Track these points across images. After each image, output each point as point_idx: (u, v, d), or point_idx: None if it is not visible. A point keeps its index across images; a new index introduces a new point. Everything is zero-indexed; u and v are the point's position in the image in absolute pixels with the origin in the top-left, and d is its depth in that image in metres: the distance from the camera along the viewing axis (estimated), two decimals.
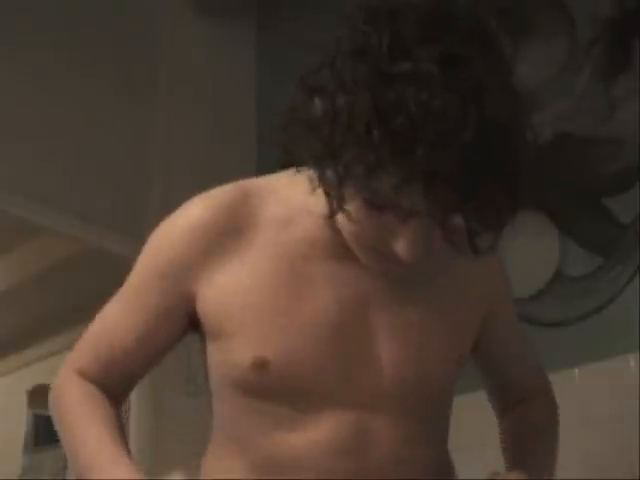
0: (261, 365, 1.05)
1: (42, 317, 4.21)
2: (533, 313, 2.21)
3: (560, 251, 2.22)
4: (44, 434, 4.37)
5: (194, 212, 1.12)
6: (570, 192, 2.25)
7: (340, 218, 1.01)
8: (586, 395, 2.05)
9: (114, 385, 1.17)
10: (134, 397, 2.59)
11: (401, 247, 0.97)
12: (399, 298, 1.12)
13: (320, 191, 1.01)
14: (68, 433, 1.14)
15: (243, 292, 1.08)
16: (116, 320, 1.16)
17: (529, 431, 1.28)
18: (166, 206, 2.66)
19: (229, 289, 1.09)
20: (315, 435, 1.07)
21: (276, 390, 1.07)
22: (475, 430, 2.22)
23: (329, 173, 0.96)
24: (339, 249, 1.08)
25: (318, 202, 1.04)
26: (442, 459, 1.20)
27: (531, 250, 2.27)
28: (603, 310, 2.10)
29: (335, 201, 0.98)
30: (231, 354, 1.09)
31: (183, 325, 1.15)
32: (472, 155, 0.87)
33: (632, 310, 2.04)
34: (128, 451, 1.10)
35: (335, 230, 1.06)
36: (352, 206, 0.97)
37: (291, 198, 1.12)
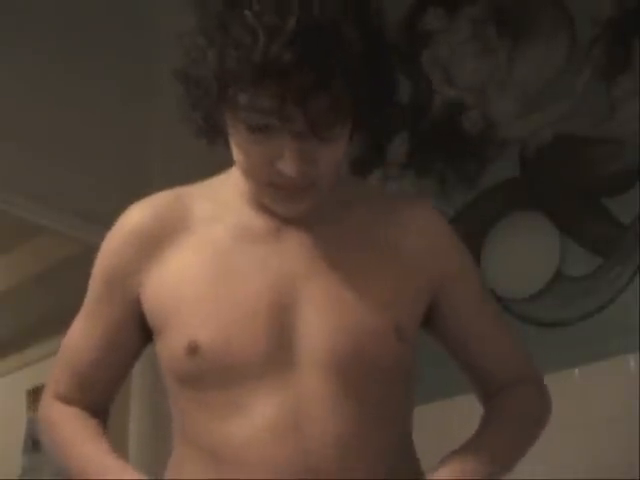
0: (193, 349, 1.08)
1: (42, 317, 4.21)
2: (533, 313, 2.22)
3: (560, 251, 2.22)
4: None
5: (128, 219, 1.21)
6: (570, 192, 2.25)
7: (237, 162, 1.10)
8: (586, 395, 2.05)
9: (93, 400, 1.22)
10: (134, 397, 2.59)
11: (285, 164, 1.04)
12: (326, 271, 1.13)
13: (235, 182, 1.16)
14: (68, 457, 1.19)
15: (174, 285, 1.13)
16: (80, 335, 1.22)
17: (493, 417, 1.25)
18: None
19: (162, 285, 1.14)
20: (252, 420, 1.06)
21: (210, 376, 1.08)
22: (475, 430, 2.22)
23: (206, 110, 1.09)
24: (264, 235, 1.14)
25: (242, 192, 1.16)
26: (394, 442, 1.14)
27: (531, 250, 2.27)
28: (603, 310, 2.10)
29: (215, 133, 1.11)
30: (168, 345, 1.12)
31: (142, 331, 1.19)
32: (303, 47, 0.97)
33: (632, 310, 2.04)
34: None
35: (259, 216, 1.15)
36: (237, 137, 1.07)
37: (218, 195, 1.20)
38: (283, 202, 1.11)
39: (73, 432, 1.19)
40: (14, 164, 2.48)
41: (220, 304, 1.10)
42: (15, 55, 2.53)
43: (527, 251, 2.27)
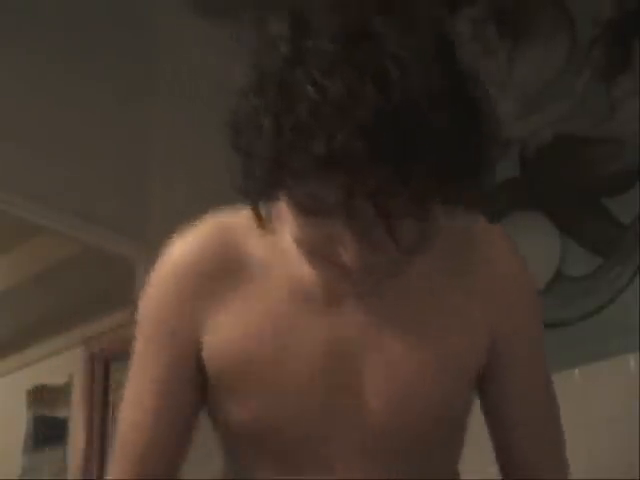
0: (246, 423, 0.99)
1: (42, 317, 4.21)
2: None
3: (560, 251, 2.22)
4: (44, 434, 4.37)
5: (182, 253, 1.04)
6: (570, 192, 2.25)
7: (291, 229, 0.93)
8: (586, 395, 2.05)
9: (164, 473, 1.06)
10: None
11: (345, 254, 0.88)
12: (389, 345, 1.01)
13: (292, 226, 0.94)
14: None
15: (242, 342, 1.00)
16: (129, 415, 1.05)
17: None
18: (166, 206, 2.67)
19: (230, 338, 1.00)
20: None
21: (260, 449, 1.01)
22: (475, 430, 2.22)
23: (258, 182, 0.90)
24: (321, 290, 1.01)
25: (293, 240, 0.96)
26: None
27: (531, 250, 2.26)
28: (603, 310, 2.11)
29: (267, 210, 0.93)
30: (221, 406, 1.02)
31: (199, 386, 1.05)
32: (378, 137, 0.79)
33: (632, 310, 2.04)
34: None
35: (313, 272, 0.98)
36: (290, 217, 0.91)
37: (268, 233, 1.02)
38: (343, 280, 0.95)
39: None
40: (14, 164, 2.48)
41: (274, 374, 0.99)
42: (15, 55, 2.53)
43: (527, 251, 2.26)
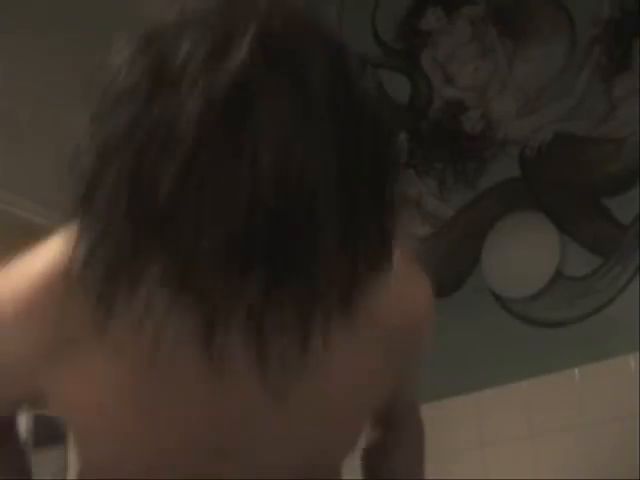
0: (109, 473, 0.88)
1: None
2: (533, 313, 2.22)
3: (560, 251, 2.22)
4: (44, 434, 4.36)
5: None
6: (570, 192, 2.25)
7: None
8: (586, 395, 2.05)
9: None
10: None
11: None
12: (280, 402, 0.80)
13: None
14: None
15: (94, 398, 0.85)
16: None
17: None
18: None
19: (80, 394, 0.85)
20: None
21: None
22: (475, 430, 2.22)
23: None
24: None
25: None
26: None
27: (531, 250, 2.27)
28: (603, 310, 2.11)
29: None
30: (82, 449, 0.93)
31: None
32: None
33: (632, 310, 2.04)
34: None
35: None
36: None
37: None
38: None
39: None
40: (14, 164, 2.48)
41: (140, 446, 0.85)
42: (15, 55, 2.53)
43: (527, 251, 2.27)
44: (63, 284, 0.80)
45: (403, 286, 0.87)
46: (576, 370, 2.08)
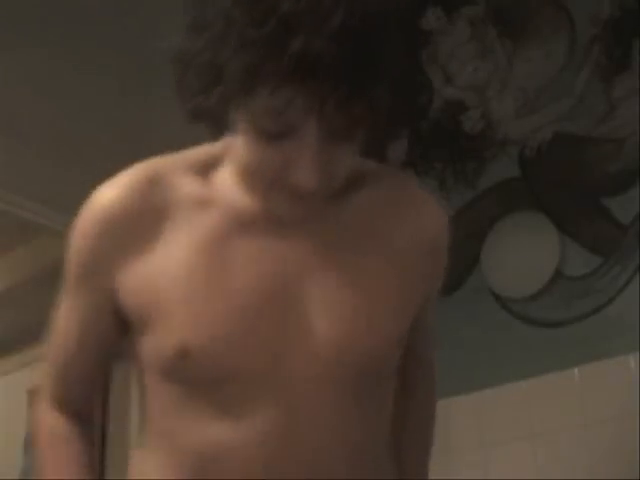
0: (182, 355, 0.98)
1: (42, 317, 4.21)
2: (533, 313, 2.22)
3: (560, 251, 2.22)
4: None
5: (99, 204, 1.06)
6: (570, 192, 2.25)
7: (242, 157, 0.97)
8: (586, 395, 2.05)
9: (78, 398, 1.14)
10: (134, 405, 2.59)
11: (303, 174, 0.92)
12: (331, 271, 1.02)
13: (234, 160, 1.01)
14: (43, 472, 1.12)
15: (162, 281, 1.01)
16: (58, 331, 1.14)
17: (414, 441, 1.21)
18: None
19: (146, 280, 1.02)
20: (243, 426, 0.98)
21: (200, 379, 1.00)
22: (475, 430, 2.22)
23: (219, 105, 0.94)
24: (262, 223, 1.02)
25: (239, 173, 1.01)
26: (386, 446, 1.10)
27: (531, 250, 2.27)
28: (603, 310, 2.11)
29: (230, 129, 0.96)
30: (154, 345, 1.02)
31: (118, 326, 1.08)
32: (346, 46, 0.85)
33: (632, 310, 2.04)
34: None
35: (257, 202, 1.01)
36: (247, 140, 0.95)
37: (208, 172, 1.06)
38: (288, 205, 0.98)
39: (52, 463, 1.11)
40: (14, 164, 2.48)
41: (213, 304, 0.99)
42: (15, 55, 2.53)
43: (527, 251, 2.27)
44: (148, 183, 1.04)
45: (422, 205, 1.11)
46: (576, 370, 2.08)
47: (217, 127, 1.01)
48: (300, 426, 0.99)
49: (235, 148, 1.00)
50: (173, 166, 1.07)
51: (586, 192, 2.22)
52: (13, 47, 2.53)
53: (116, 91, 2.80)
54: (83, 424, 1.14)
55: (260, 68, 0.86)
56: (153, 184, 1.05)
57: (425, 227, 1.10)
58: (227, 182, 1.04)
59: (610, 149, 2.19)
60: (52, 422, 1.14)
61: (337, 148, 0.93)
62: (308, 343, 1.00)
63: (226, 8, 0.90)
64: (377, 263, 1.05)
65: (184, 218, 1.03)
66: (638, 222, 2.10)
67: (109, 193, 1.06)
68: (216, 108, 0.94)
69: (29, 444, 4.48)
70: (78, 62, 2.69)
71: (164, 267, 1.01)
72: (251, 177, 0.98)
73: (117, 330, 1.08)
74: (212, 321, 0.99)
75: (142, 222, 1.02)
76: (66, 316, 1.12)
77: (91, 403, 1.17)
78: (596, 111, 2.23)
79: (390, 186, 1.10)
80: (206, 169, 1.06)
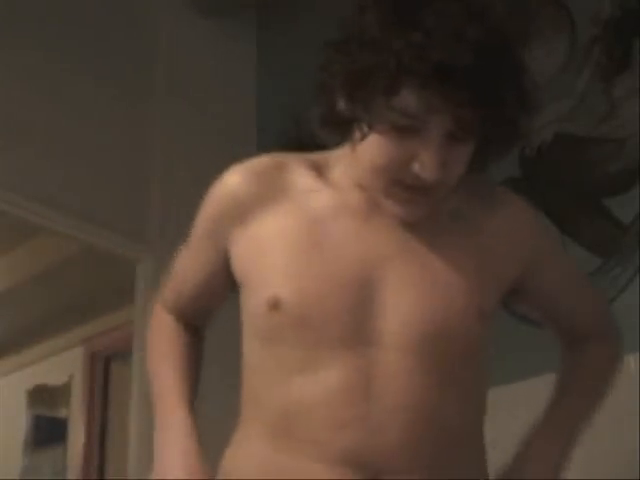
0: (275, 304, 1.12)
1: (42, 317, 4.21)
2: None
3: None
4: (44, 434, 4.37)
5: (227, 185, 1.24)
6: (570, 192, 2.25)
7: (363, 152, 1.11)
8: None
9: (191, 315, 1.34)
10: (134, 400, 2.59)
11: (425, 167, 1.06)
12: (414, 253, 1.16)
13: (341, 159, 1.19)
14: (152, 380, 1.30)
15: (264, 244, 1.17)
16: (186, 263, 1.33)
17: (574, 387, 1.42)
18: (166, 206, 2.66)
19: (252, 243, 1.19)
20: (326, 381, 1.09)
21: (289, 333, 1.12)
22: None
23: (354, 102, 1.08)
24: (364, 212, 1.17)
25: (351, 176, 1.18)
26: (466, 422, 1.18)
27: None
28: None
29: (362, 125, 1.08)
30: (251, 300, 1.18)
31: (231, 278, 1.25)
32: (481, 54, 1.00)
33: (632, 310, 2.03)
34: (190, 389, 1.25)
35: (360, 194, 1.17)
36: (375, 135, 1.08)
37: (323, 173, 1.22)
38: (406, 204, 1.12)
39: (166, 354, 1.30)
40: (14, 164, 2.48)
41: (307, 267, 1.13)
42: (15, 56, 2.53)
43: None
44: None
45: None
46: None
47: (343, 133, 1.15)
48: (376, 383, 1.09)
49: (344, 156, 1.18)
50: (294, 160, 1.24)
51: (586, 192, 2.22)
52: (13, 47, 2.53)
53: (118, 91, 2.80)
54: (191, 332, 1.34)
55: (407, 72, 1.01)
56: (277, 169, 1.22)
57: (515, 220, 1.24)
58: (336, 177, 1.20)
59: (611, 149, 2.19)
60: (167, 318, 1.35)
61: (455, 149, 1.08)
62: (390, 315, 1.12)
63: (379, 23, 1.05)
64: (457, 245, 1.18)
65: (296, 199, 1.19)
66: (638, 222, 2.10)
67: (236, 177, 1.23)
68: (352, 113, 1.09)
69: (29, 444, 4.48)
70: (79, 63, 2.69)
71: (269, 233, 1.18)
72: (375, 172, 1.11)
73: (225, 283, 1.27)
74: (305, 279, 1.13)
75: (259, 201, 1.20)
76: (192, 255, 1.31)
77: (204, 324, 1.37)
78: (597, 111, 2.23)
79: (479, 190, 1.24)
80: (319, 167, 1.23)
